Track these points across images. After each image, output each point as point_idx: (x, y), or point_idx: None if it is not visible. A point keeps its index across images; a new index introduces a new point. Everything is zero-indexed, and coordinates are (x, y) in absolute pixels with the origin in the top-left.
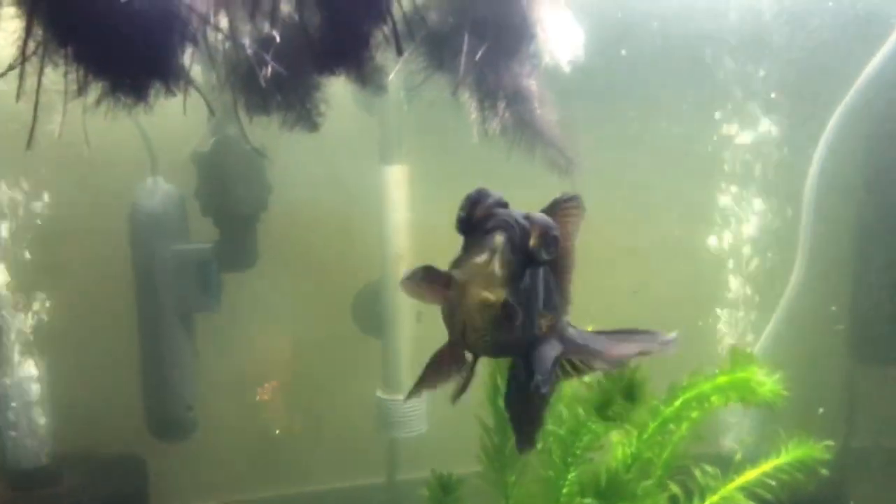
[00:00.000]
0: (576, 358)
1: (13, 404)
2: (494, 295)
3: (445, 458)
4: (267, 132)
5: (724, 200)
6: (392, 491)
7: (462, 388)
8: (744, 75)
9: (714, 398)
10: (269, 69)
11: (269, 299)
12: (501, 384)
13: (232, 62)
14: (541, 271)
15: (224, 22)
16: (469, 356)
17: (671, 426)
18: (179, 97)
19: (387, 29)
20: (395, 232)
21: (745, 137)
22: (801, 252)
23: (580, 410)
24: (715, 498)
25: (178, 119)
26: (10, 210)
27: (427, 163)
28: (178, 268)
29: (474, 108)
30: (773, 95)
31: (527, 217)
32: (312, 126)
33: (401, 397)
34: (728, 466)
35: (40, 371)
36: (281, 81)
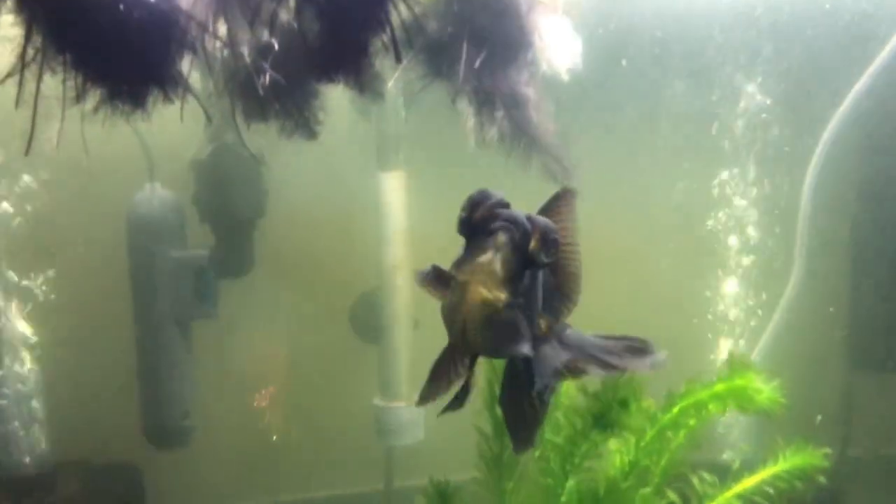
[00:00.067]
0: (571, 363)
1: (8, 411)
2: (494, 295)
3: (443, 466)
4: (265, 138)
5: (722, 208)
6: (389, 498)
7: (464, 391)
8: (739, 85)
9: (712, 406)
10: (268, 77)
11: (266, 306)
12: (499, 391)
13: (230, 69)
14: (540, 273)
15: (223, 29)
16: (469, 358)
17: (669, 434)
18: (177, 104)
19: (386, 37)
20: (393, 239)
21: (741, 147)
22: (797, 262)
23: (578, 420)
24: None
25: (177, 126)
26: (7, 217)
27: (425, 169)
28: (175, 274)
29: (472, 115)
30: (769, 106)
31: (528, 218)
32: (310, 134)
33: (398, 404)
34: (726, 474)
35: (36, 377)
36: (279, 89)
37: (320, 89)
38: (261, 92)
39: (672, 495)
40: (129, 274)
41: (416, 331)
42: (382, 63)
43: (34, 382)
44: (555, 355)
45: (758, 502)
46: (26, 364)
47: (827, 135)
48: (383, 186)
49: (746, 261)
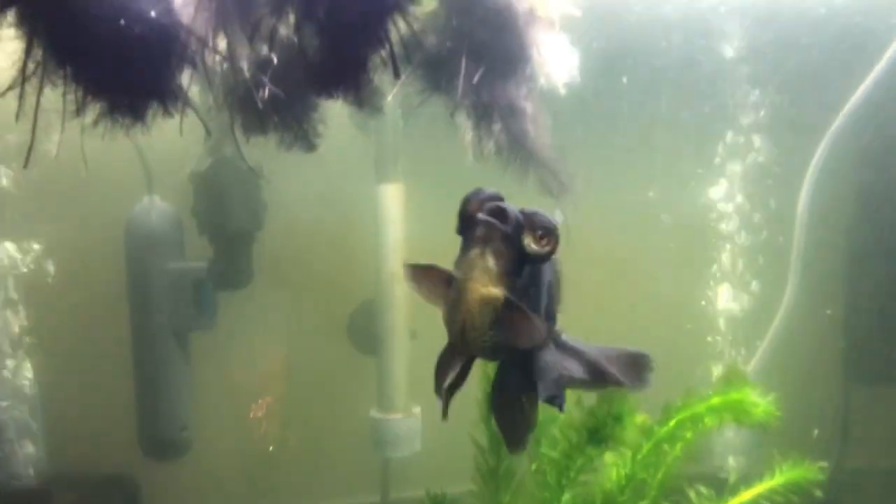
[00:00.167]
0: (572, 373)
1: (3, 423)
2: (490, 291)
3: (439, 478)
4: (264, 151)
5: (718, 220)
6: None
7: (452, 388)
8: (735, 99)
9: (708, 419)
10: (267, 91)
11: (264, 318)
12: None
13: (230, 83)
14: (543, 273)
15: (223, 44)
16: (465, 360)
17: (665, 447)
18: (177, 117)
19: (385, 53)
20: (391, 250)
21: (737, 159)
22: (792, 273)
23: (573, 434)
24: None
25: (176, 138)
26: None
27: (423, 181)
28: (173, 286)
29: (470, 128)
30: (764, 118)
31: (521, 211)
32: (309, 146)
33: (395, 416)
34: (723, 487)
35: (32, 388)
36: (278, 102)
37: (319, 102)
38: (260, 105)
39: None
40: (127, 286)
41: (413, 342)
42: (381, 77)
43: (30, 394)
44: (555, 363)
45: None
46: (21, 375)
47: (823, 146)
48: (382, 198)
49: (742, 271)
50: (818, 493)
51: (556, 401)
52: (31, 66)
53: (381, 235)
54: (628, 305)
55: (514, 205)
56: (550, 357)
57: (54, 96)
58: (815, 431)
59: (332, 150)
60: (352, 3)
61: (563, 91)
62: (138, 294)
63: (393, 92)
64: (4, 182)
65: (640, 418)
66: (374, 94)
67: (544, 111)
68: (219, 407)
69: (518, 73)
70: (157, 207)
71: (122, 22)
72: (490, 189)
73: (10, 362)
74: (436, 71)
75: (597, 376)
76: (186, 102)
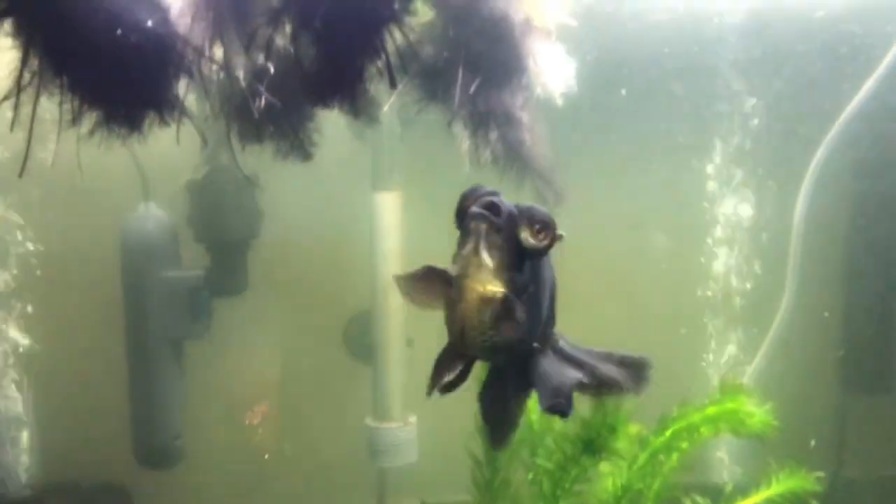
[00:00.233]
0: (573, 382)
1: None
2: (488, 288)
3: (435, 487)
4: (260, 159)
5: (713, 230)
6: None
7: (450, 387)
8: (730, 109)
9: (704, 429)
10: (263, 100)
11: (259, 326)
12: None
13: (226, 92)
14: (544, 271)
15: (219, 54)
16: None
17: (661, 457)
18: (173, 126)
19: (381, 63)
20: (387, 259)
21: (732, 168)
22: (789, 282)
23: (568, 445)
24: None
25: (172, 146)
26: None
27: (420, 190)
28: (169, 294)
29: (467, 137)
30: (759, 127)
31: (516, 206)
32: (305, 155)
33: (391, 425)
34: (719, 497)
35: (25, 398)
36: (274, 112)
37: (315, 112)
38: (256, 115)
39: None
40: (123, 293)
41: (409, 350)
42: (378, 87)
43: (23, 402)
44: (555, 370)
45: None
46: (15, 383)
47: (819, 155)
48: (378, 207)
49: (738, 280)
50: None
51: (558, 409)
52: (27, 75)
53: (378, 244)
54: (623, 315)
55: (510, 201)
56: (549, 365)
57: (50, 105)
58: (812, 442)
59: (328, 159)
60: (347, 14)
61: (559, 101)
62: (134, 302)
63: (390, 101)
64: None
65: (634, 429)
66: (370, 103)
67: (540, 121)
68: (213, 415)
69: (514, 83)
70: (153, 215)
71: (119, 31)
72: (487, 186)
73: (2, 371)
74: (433, 81)
75: (597, 382)
76: (183, 112)
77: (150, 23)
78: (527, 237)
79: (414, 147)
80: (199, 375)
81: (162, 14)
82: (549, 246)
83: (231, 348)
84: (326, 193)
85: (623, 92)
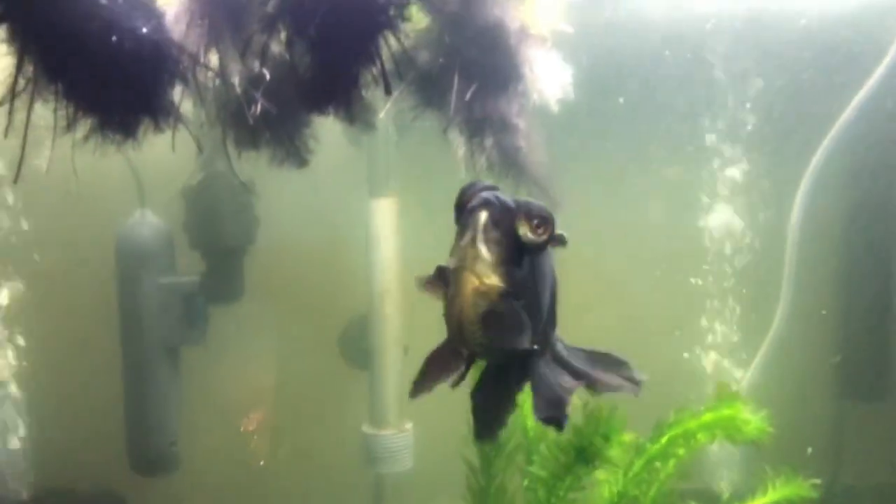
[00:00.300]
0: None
1: None
2: (486, 282)
3: (431, 494)
4: (256, 166)
5: (709, 236)
6: None
7: (455, 384)
8: (728, 112)
9: (700, 436)
10: (259, 107)
11: (255, 333)
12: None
13: (222, 99)
14: (544, 269)
15: (214, 60)
16: (466, 359)
17: (657, 464)
18: (169, 132)
19: (376, 70)
20: (383, 265)
21: (730, 173)
22: (785, 289)
23: (561, 454)
24: None
25: (168, 153)
26: None
27: (416, 196)
28: (164, 300)
29: (462, 144)
30: (757, 132)
31: (514, 200)
32: (301, 162)
33: (387, 432)
34: None
35: (20, 403)
36: (270, 118)
37: (311, 118)
38: (251, 121)
39: None
40: (118, 299)
41: (406, 357)
42: (374, 93)
43: (17, 407)
44: (552, 379)
45: None
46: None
47: (814, 162)
48: (374, 213)
49: (734, 287)
50: None
51: (554, 423)
52: (21, 81)
53: (374, 250)
54: (619, 321)
55: (509, 196)
56: (547, 371)
57: (45, 111)
58: (810, 449)
59: (324, 165)
60: (342, 20)
61: (555, 107)
62: (129, 308)
63: (385, 108)
64: None
65: (628, 437)
66: (365, 109)
67: (536, 127)
68: (209, 422)
69: (510, 90)
70: (148, 222)
71: (114, 38)
72: (486, 181)
73: None
74: (428, 87)
75: (592, 387)
76: (178, 118)
77: (145, 29)
78: (525, 232)
79: (410, 154)
80: (195, 382)
81: (157, 20)
82: (548, 241)
83: (227, 355)
84: (322, 200)
85: (620, 100)
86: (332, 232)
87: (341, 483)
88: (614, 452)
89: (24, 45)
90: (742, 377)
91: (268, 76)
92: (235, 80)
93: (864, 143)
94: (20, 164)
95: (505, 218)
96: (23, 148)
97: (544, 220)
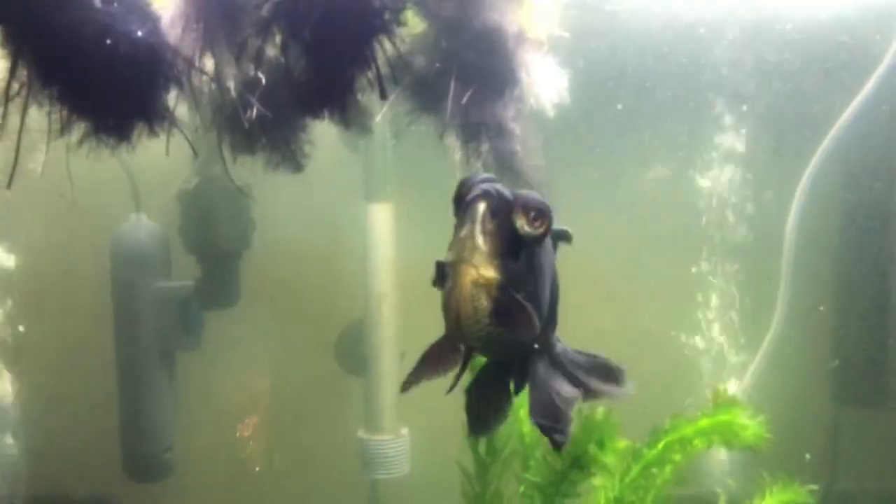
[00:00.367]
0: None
1: None
2: (482, 273)
3: (427, 500)
4: (252, 170)
5: (705, 242)
6: None
7: (453, 386)
8: (723, 122)
9: (697, 441)
10: (254, 111)
11: (251, 337)
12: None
13: (217, 103)
14: (543, 264)
15: (209, 64)
16: (464, 352)
17: (654, 470)
18: (164, 136)
19: (371, 74)
20: (380, 270)
21: (725, 181)
22: (781, 295)
23: (556, 460)
24: None
25: (164, 157)
26: None
27: (412, 201)
28: (159, 305)
29: (459, 148)
30: (751, 141)
31: (513, 192)
32: (297, 167)
33: (383, 437)
34: None
35: (14, 408)
36: (266, 122)
37: (307, 123)
38: (247, 125)
39: None
40: (113, 304)
41: (402, 362)
42: (370, 97)
43: (12, 413)
44: (552, 381)
45: None
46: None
47: (810, 169)
48: (371, 218)
49: (730, 293)
50: None
51: (556, 436)
52: (15, 85)
53: (370, 255)
54: (616, 328)
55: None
56: (546, 371)
57: (39, 115)
58: (808, 456)
59: (321, 170)
60: (337, 24)
61: (551, 112)
62: (124, 312)
63: (382, 112)
64: None
65: (622, 443)
66: (361, 113)
67: (533, 132)
68: (204, 428)
69: (507, 95)
70: (144, 225)
71: (109, 42)
72: (485, 174)
73: None
74: (424, 92)
75: (585, 394)
76: (173, 122)
77: (140, 33)
78: (522, 224)
79: (406, 158)
80: (191, 387)
81: (152, 24)
82: (545, 234)
83: (223, 360)
84: (319, 204)
85: (619, 107)
86: (329, 236)
87: (337, 488)
88: (609, 459)
89: (19, 49)
90: (739, 382)
91: (263, 80)
92: (231, 83)
93: (861, 148)
94: (14, 168)
95: (503, 209)
96: (17, 152)
97: (541, 213)
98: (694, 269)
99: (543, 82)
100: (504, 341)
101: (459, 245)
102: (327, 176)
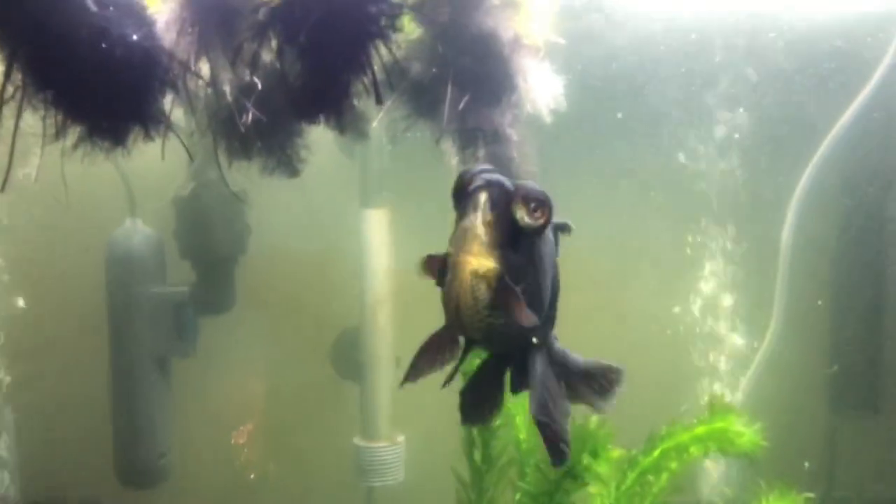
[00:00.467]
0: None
1: None
2: (482, 263)
3: None
4: (247, 175)
5: (701, 248)
6: None
7: (450, 377)
8: (720, 127)
9: (693, 448)
10: (250, 115)
11: (246, 343)
12: (477, 437)
13: (213, 108)
14: (542, 256)
15: (205, 69)
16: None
17: (650, 477)
18: (160, 140)
19: (367, 79)
20: (375, 276)
21: (722, 186)
22: (777, 304)
23: (550, 470)
24: None
25: (159, 162)
26: None
27: (408, 207)
28: (154, 310)
29: (455, 154)
30: (748, 146)
31: (513, 183)
32: (293, 171)
33: (379, 444)
34: None
35: (7, 415)
36: (262, 127)
37: (304, 128)
38: (242, 130)
39: None
40: (108, 309)
41: (398, 369)
42: (366, 102)
43: (3, 418)
44: (547, 379)
45: None
46: None
47: (807, 174)
48: (366, 224)
49: (727, 299)
50: None
51: (558, 455)
52: (10, 89)
53: (366, 261)
54: (612, 333)
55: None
56: (543, 367)
57: (33, 119)
58: (806, 464)
59: (316, 175)
60: (333, 29)
61: (548, 118)
62: (119, 318)
63: (378, 117)
64: None
65: (616, 453)
66: (356, 119)
67: (529, 137)
68: (199, 433)
69: (503, 100)
70: (139, 231)
71: (104, 45)
72: (485, 165)
73: None
74: (421, 97)
75: (573, 395)
76: (168, 126)
77: (135, 37)
78: (522, 215)
79: (403, 164)
80: (185, 393)
81: (148, 28)
82: (545, 225)
83: (218, 366)
84: (315, 210)
85: (619, 115)
86: (325, 242)
87: (332, 495)
88: (603, 469)
89: (13, 52)
90: (736, 389)
91: (259, 85)
92: (226, 88)
93: (857, 155)
94: (7, 172)
95: (503, 200)
96: (10, 156)
97: (542, 204)
98: (690, 273)
99: (540, 88)
100: (504, 333)
101: (460, 236)
102: (323, 181)
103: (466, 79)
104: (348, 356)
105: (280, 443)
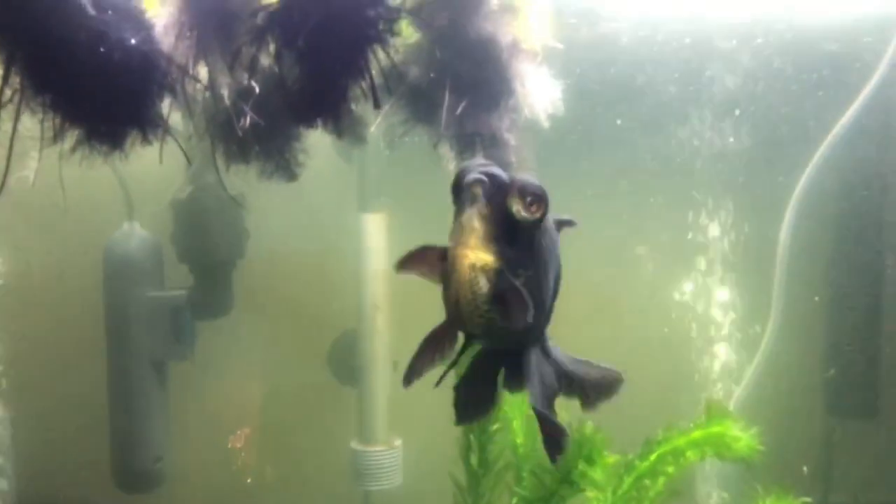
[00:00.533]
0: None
1: None
2: (479, 256)
3: None
4: (245, 178)
5: (698, 255)
6: None
7: (444, 375)
8: (716, 131)
9: (690, 453)
10: (248, 119)
11: (244, 347)
12: (474, 441)
13: (211, 111)
14: (541, 250)
15: (203, 72)
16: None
17: (647, 482)
18: (158, 144)
19: (365, 84)
20: (373, 280)
21: (719, 190)
22: (774, 310)
23: (546, 476)
24: None
25: (157, 165)
26: None
27: (406, 211)
28: (152, 314)
29: (453, 158)
30: (745, 151)
31: (510, 176)
32: (291, 176)
33: (376, 448)
34: None
35: (4, 418)
36: (259, 131)
37: (302, 132)
38: (240, 134)
39: None
40: (105, 313)
41: (395, 373)
42: (364, 107)
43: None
44: (540, 368)
45: None
46: None
47: (804, 179)
48: (364, 228)
49: (724, 304)
50: None
51: (553, 444)
52: (8, 92)
53: (364, 265)
54: (609, 337)
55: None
56: (538, 362)
57: (31, 122)
58: (804, 468)
59: (314, 179)
60: (331, 34)
61: (546, 123)
62: (116, 322)
63: (376, 122)
64: None
65: (612, 459)
66: (354, 123)
67: (527, 142)
68: (196, 437)
69: (501, 105)
70: (136, 234)
71: (103, 49)
72: (482, 160)
73: None
74: (419, 102)
75: (567, 391)
76: (166, 130)
77: (133, 40)
78: (518, 209)
79: (401, 168)
80: (182, 397)
81: (146, 32)
82: (541, 219)
83: (215, 370)
84: (313, 214)
85: (618, 122)
86: (322, 246)
87: (329, 499)
88: (598, 475)
89: (11, 56)
90: (732, 394)
91: (257, 88)
92: (224, 92)
93: (854, 159)
94: (5, 175)
95: (499, 193)
96: (8, 159)
97: (538, 198)
98: (687, 278)
99: (538, 93)
100: (504, 328)
101: (457, 229)
102: (321, 185)
103: (464, 83)
104: (346, 360)
105: (277, 446)
